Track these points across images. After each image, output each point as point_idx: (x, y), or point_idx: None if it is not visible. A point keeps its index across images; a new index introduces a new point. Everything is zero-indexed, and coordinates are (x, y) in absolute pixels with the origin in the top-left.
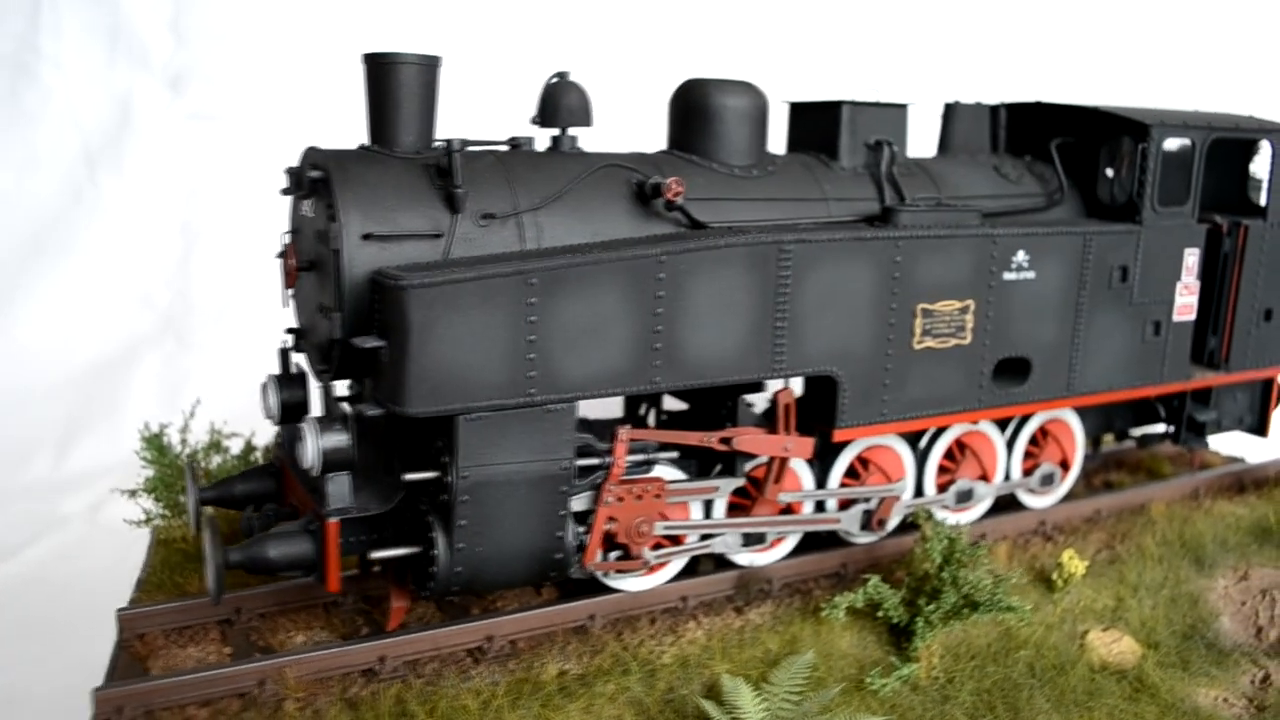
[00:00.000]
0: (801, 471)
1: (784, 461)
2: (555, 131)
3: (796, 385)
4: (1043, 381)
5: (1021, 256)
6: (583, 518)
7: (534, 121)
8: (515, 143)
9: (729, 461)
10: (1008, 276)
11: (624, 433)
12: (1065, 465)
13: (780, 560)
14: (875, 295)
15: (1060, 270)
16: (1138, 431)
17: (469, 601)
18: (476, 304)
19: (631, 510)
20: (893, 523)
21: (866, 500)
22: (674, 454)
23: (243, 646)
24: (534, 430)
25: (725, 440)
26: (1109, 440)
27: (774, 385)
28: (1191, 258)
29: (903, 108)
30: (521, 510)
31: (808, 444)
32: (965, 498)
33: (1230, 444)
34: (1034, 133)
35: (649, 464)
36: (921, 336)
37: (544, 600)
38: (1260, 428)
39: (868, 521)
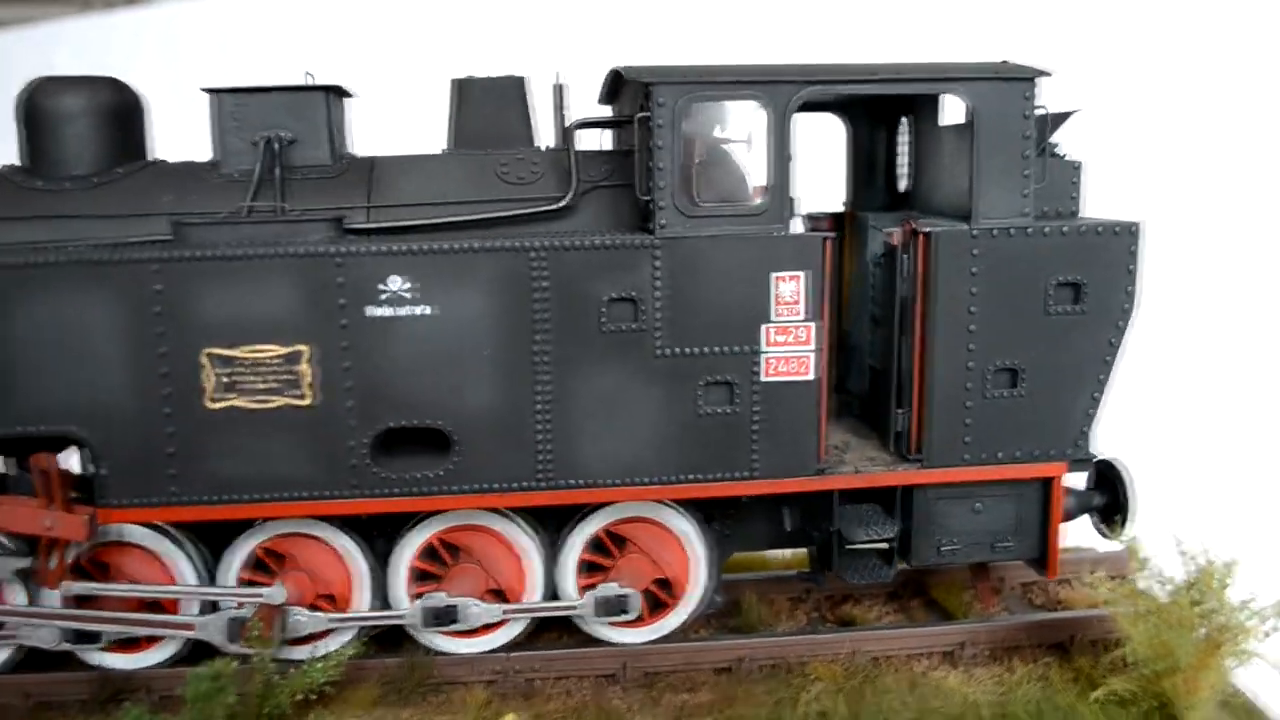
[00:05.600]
0: (173, 559)
1: (61, 544)
2: None
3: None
4: (480, 464)
5: (398, 284)
6: None
7: None
8: None
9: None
10: (375, 312)
11: None
12: (674, 588)
13: (155, 666)
14: (129, 335)
15: (486, 304)
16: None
17: None
18: None
19: None
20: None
21: (239, 605)
22: None
23: None
24: None
25: None
26: None
27: None
28: (789, 285)
29: (320, 92)
30: None
31: (77, 523)
32: (444, 618)
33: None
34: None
35: None
36: (220, 393)
37: None
38: (1040, 558)
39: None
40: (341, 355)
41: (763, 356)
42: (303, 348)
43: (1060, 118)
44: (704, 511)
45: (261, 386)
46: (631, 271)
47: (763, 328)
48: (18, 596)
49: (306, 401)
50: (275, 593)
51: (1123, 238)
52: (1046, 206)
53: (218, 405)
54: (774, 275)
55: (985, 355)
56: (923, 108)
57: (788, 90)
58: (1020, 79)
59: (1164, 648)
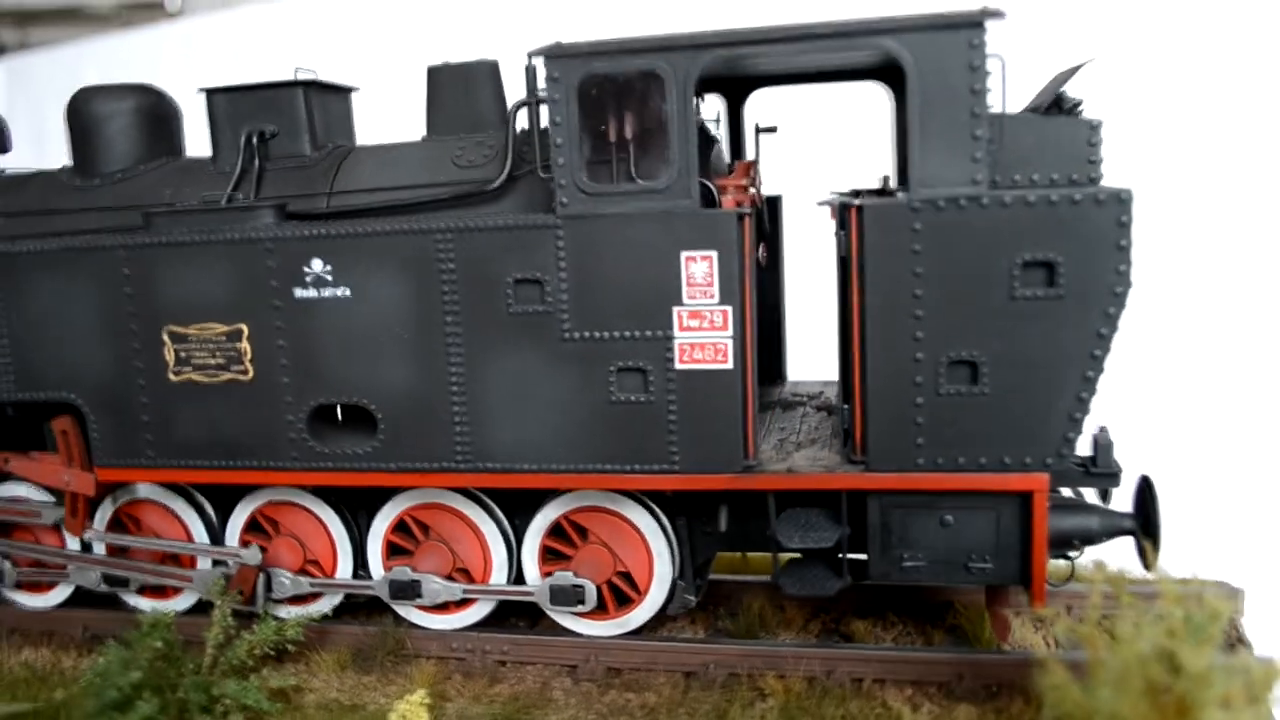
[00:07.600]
0: (188, 519)
1: (81, 497)
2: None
3: None
4: (402, 443)
5: (319, 267)
6: None
7: None
8: None
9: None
10: (302, 294)
11: None
12: (636, 582)
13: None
14: (110, 313)
15: (398, 286)
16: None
17: None
18: None
19: None
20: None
21: (228, 564)
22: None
23: None
24: None
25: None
26: None
27: None
28: (700, 266)
29: (299, 88)
30: None
31: (88, 480)
32: (408, 592)
33: None
34: None
35: None
36: (179, 366)
37: None
38: (1022, 575)
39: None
40: (275, 334)
41: (675, 342)
42: (243, 326)
43: (1070, 72)
44: (671, 507)
45: (211, 362)
46: (535, 251)
47: (674, 311)
48: (71, 543)
49: (249, 377)
50: (251, 554)
51: (1108, 208)
52: (1058, 173)
53: (178, 379)
54: (684, 255)
55: (936, 345)
56: None
57: (687, 57)
58: (963, 25)
59: (1086, 710)
